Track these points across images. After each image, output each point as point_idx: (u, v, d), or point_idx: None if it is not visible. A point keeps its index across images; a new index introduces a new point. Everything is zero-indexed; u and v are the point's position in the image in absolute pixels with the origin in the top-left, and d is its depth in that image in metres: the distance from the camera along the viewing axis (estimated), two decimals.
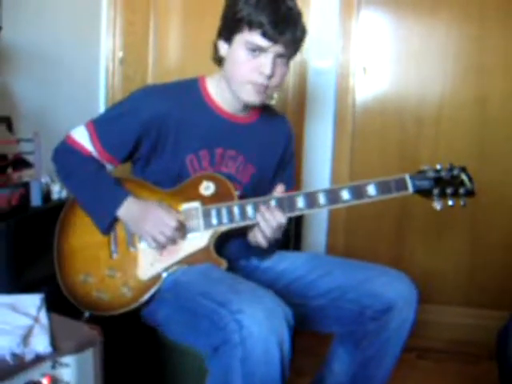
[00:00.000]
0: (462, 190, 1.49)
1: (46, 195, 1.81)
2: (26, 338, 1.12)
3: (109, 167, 1.58)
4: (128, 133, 1.53)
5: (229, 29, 1.48)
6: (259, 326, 1.23)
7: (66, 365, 1.13)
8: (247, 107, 1.61)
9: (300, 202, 1.49)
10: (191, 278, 1.44)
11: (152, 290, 1.47)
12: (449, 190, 1.49)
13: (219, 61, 1.57)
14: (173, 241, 1.49)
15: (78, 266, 1.53)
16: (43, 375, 1.11)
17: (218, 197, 1.53)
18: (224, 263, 1.49)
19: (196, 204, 1.52)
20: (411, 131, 2.59)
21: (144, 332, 1.51)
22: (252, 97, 1.50)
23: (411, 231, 2.66)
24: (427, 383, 2.27)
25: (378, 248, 2.65)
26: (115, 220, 1.51)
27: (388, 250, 2.66)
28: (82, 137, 1.55)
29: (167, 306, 1.46)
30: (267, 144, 1.68)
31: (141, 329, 1.52)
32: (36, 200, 1.72)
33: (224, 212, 1.50)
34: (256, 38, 1.43)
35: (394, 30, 2.57)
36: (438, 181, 1.49)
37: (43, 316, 1.23)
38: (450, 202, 1.49)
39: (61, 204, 1.69)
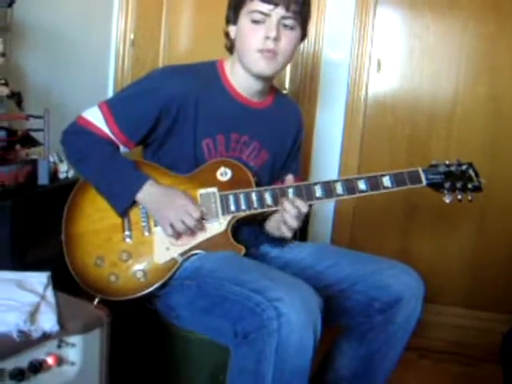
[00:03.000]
0: (470, 185, 1.54)
1: (53, 174, 1.78)
2: (32, 315, 1.09)
3: (123, 150, 1.55)
4: (147, 112, 1.50)
5: (234, 9, 1.52)
6: (297, 315, 1.24)
7: (73, 344, 1.11)
8: (262, 91, 1.60)
9: (318, 192, 1.50)
10: (216, 265, 1.42)
11: (168, 275, 1.46)
12: (458, 185, 1.54)
13: (232, 46, 1.57)
14: (191, 231, 1.47)
15: (90, 248, 1.49)
16: (48, 354, 1.08)
17: (235, 183, 1.52)
18: (242, 249, 1.48)
19: (213, 189, 1.51)
20: (422, 128, 2.57)
21: (153, 318, 1.50)
22: (262, 65, 1.50)
23: (416, 228, 2.64)
24: (427, 383, 2.25)
25: (382, 243, 2.63)
26: (134, 203, 1.49)
27: (393, 246, 2.64)
28: (96, 118, 1.51)
29: (187, 292, 1.44)
30: (280, 131, 1.67)
31: (149, 315, 1.50)
32: (43, 178, 1.69)
33: (242, 198, 1.50)
34: (257, 4, 1.45)
35: (409, 26, 2.54)
36: (449, 175, 1.54)
37: (50, 294, 1.21)
38: (459, 196, 1.54)
39: (68, 184, 1.68)
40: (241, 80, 1.57)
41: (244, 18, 1.49)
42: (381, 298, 1.49)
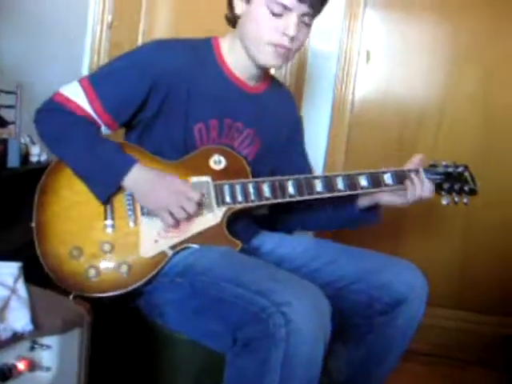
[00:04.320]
0: (466, 188, 1.52)
1: (25, 157, 1.63)
2: (1, 312, 0.94)
3: (104, 132, 1.40)
4: (135, 90, 1.36)
5: None
6: (308, 322, 1.12)
7: (48, 346, 0.97)
8: (258, 75, 1.48)
9: (318, 186, 1.43)
10: (213, 263, 1.29)
11: (156, 270, 1.32)
12: (456, 187, 1.51)
13: (233, 20, 1.44)
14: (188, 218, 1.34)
15: (65, 237, 1.33)
16: (19, 358, 0.94)
17: (229, 172, 1.41)
18: (239, 244, 1.36)
19: (206, 178, 1.38)
20: (411, 124, 2.49)
21: (135, 317, 1.36)
22: (271, 59, 1.39)
23: (405, 230, 2.56)
24: None
25: (370, 244, 2.52)
26: (118, 189, 1.35)
27: (380, 247, 2.54)
28: (76, 94, 1.35)
29: (178, 291, 1.30)
30: (275, 119, 1.56)
31: (131, 313, 1.36)
32: (13, 161, 1.54)
33: (238, 189, 1.39)
34: None
35: (401, 21, 2.46)
36: (448, 176, 1.51)
37: (22, 288, 1.06)
38: (456, 199, 1.52)
39: (40, 168, 1.51)
40: (238, 61, 1.45)
41: (261, 4, 1.35)
42: (382, 299, 1.40)
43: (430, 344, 2.42)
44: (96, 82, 1.36)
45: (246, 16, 1.38)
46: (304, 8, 1.34)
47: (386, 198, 1.52)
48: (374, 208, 1.57)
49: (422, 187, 1.45)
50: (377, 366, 1.48)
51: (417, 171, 1.47)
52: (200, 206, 1.35)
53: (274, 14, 1.34)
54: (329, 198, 1.46)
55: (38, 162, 1.66)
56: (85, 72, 2.48)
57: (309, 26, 1.40)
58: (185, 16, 2.52)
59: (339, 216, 1.59)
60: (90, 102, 1.35)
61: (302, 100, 2.49)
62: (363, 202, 1.55)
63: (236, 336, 1.20)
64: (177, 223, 1.34)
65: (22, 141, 1.62)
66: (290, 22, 1.34)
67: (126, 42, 2.54)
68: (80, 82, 1.37)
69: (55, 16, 2.18)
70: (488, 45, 2.40)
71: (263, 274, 1.23)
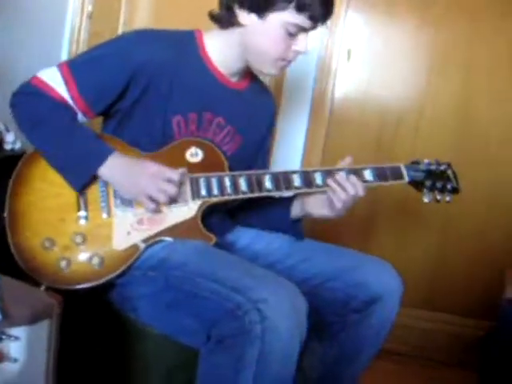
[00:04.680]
0: (449, 186, 1.50)
1: None
2: None
3: (81, 119, 1.37)
4: (115, 79, 1.34)
5: (265, 3, 1.33)
6: (284, 319, 1.11)
7: (16, 337, 0.94)
8: (242, 72, 1.47)
9: (296, 181, 1.40)
10: (187, 257, 1.27)
11: (128, 263, 1.29)
12: (438, 184, 1.50)
13: (229, 24, 1.40)
14: (172, 202, 1.32)
15: (38, 228, 1.31)
16: None
17: (206, 166, 1.39)
18: (213, 238, 1.34)
19: (182, 169, 1.35)
20: (390, 124, 2.50)
21: (106, 310, 1.34)
22: (275, 71, 1.43)
23: (378, 227, 2.57)
24: None
25: (342, 241, 2.50)
26: (94, 178, 1.32)
27: (353, 244, 2.53)
28: (54, 79, 1.33)
29: (151, 284, 1.28)
30: (256, 117, 1.55)
31: (102, 306, 1.34)
32: None
33: (214, 182, 1.36)
34: (303, 21, 1.33)
35: (383, 20, 2.47)
36: (430, 173, 1.49)
37: None
38: (438, 197, 1.50)
39: (14, 156, 1.47)
40: (223, 58, 1.43)
41: (277, 23, 1.33)
42: (357, 297, 1.40)
43: (404, 345, 2.42)
44: (75, 68, 1.34)
45: (257, 30, 1.36)
46: (316, 27, 1.36)
47: (314, 207, 1.48)
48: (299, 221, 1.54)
49: (347, 187, 1.39)
50: (349, 365, 1.48)
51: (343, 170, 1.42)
52: (181, 187, 1.33)
53: (290, 35, 1.34)
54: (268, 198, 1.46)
55: (12, 149, 1.61)
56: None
57: None
58: (165, 6, 2.49)
59: (271, 217, 1.56)
60: (68, 88, 1.32)
61: (281, 97, 2.47)
62: (295, 211, 1.52)
63: (210, 332, 1.19)
64: (158, 208, 1.32)
65: None
66: (303, 40, 1.36)
67: (106, 32, 2.50)
68: (59, 66, 1.34)
69: (34, 4, 2.14)
70: (467, 49, 2.42)
71: (239, 270, 1.22)
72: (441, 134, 2.46)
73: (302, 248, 1.50)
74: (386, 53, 2.48)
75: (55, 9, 2.38)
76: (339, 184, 1.39)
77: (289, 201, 1.53)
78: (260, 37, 1.36)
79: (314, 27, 1.36)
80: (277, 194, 1.44)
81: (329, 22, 2.32)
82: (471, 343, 2.25)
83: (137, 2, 2.52)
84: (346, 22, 2.45)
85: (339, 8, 2.42)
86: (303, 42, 1.36)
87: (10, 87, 1.39)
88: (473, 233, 2.49)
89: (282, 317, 1.12)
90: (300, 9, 1.31)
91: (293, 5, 1.31)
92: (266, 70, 1.43)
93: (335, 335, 1.45)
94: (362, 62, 2.49)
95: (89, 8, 2.45)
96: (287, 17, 1.32)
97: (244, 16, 1.36)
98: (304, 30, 1.35)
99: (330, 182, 1.40)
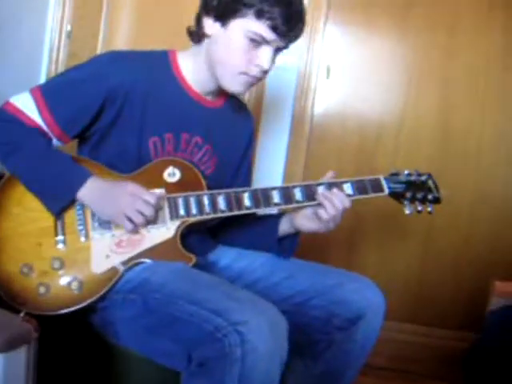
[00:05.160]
0: (430, 196, 1.49)
1: None
2: None
3: (56, 144, 1.36)
4: (88, 102, 1.33)
5: (227, 9, 1.32)
6: (264, 342, 1.10)
7: None
8: (217, 91, 1.46)
9: (276, 197, 1.39)
10: (167, 279, 1.25)
11: (107, 286, 1.28)
12: (419, 195, 1.48)
13: (198, 36, 1.40)
14: (151, 223, 1.31)
15: (15, 254, 1.29)
16: None
17: (184, 185, 1.37)
18: (193, 258, 1.32)
19: (160, 191, 1.35)
20: (370, 138, 2.51)
21: (87, 333, 1.31)
22: (238, 87, 1.38)
23: (361, 241, 2.57)
24: None
25: (325, 255, 2.54)
26: (71, 202, 1.31)
27: (336, 258, 2.56)
28: (26, 106, 1.31)
29: (130, 308, 1.26)
30: (232, 136, 1.55)
31: (83, 330, 1.32)
32: None
33: (192, 202, 1.35)
34: (264, 29, 1.30)
35: (361, 34, 2.49)
36: (410, 184, 1.48)
37: None
38: (419, 208, 1.49)
39: None
40: (197, 76, 1.43)
41: (239, 30, 1.31)
42: (341, 314, 1.39)
43: (384, 357, 2.41)
44: (48, 93, 1.33)
45: (219, 39, 1.35)
46: (281, 43, 1.33)
47: (302, 222, 1.48)
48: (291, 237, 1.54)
49: (334, 200, 1.39)
50: (335, 382, 1.46)
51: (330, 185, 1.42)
52: (158, 210, 1.31)
53: (251, 44, 1.31)
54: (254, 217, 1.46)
55: None
56: (42, 80, 2.43)
57: (280, 52, 1.39)
58: (145, 26, 2.50)
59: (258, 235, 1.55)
60: (41, 114, 1.31)
61: (261, 113, 2.49)
62: (284, 227, 1.52)
63: (191, 355, 1.17)
64: (136, 229, 1.30)
65: None
66: (266, 54, 1.32)
67: (85, 51, 2.50)
68: (31, 92, 1.33)
69: (12, 28, 2.13)
70: (445, 62, 2.44)
71: (219, 292, 1.20)
72: (421, 147, 2.48)
73: (285, 266, 1.49)
74: (365, 67, 2.50)
75: (33, 27, 2.38)
76: (326, 198, 1.39)
77: (276, 218, 1.53)
78: (222, 46, 1.34)
79: (278, 42, 1.32)
80: (258, 211, 1.42)
81: (306, 40, 2.43)
82: (454, 355, 2.25)
83: (116, 22, 2.53)
84: (325, 37, 2.47)
85: (317, 23, 2.46)
86: (265, 56, 1.32)
87: None
88: (456, 245, 2.50)
89: (262, 339, 1.10)
90: (259, 15, 1.28)
91: (252, 11, 1.28)
92: (228, 85, 1.38)
93: (321, 353, 1.44)
94: (342, 77, 2.51)
95: (68, 27, 2.46)
96: (248, 24, 1.30)
97: (210, 25, 1.35)
98: (266, 42, 1.31)
99: (318, 197, 1.39)
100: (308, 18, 2.34)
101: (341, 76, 2.51)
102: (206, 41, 1.38)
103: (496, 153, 2.46)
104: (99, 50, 2.52)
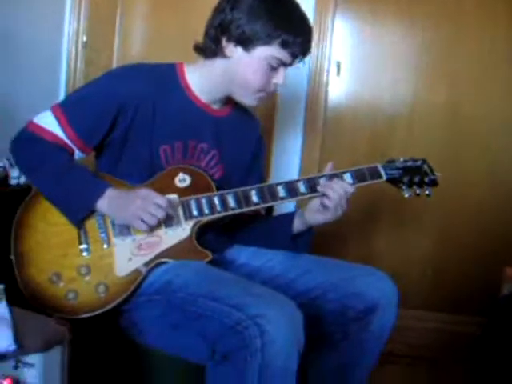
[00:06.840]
0: (426, 179, 1.54)
1: (4, 180, 1.66)
2: None
3: (79, 156, 1.45)
4: (104, 113, 1.42)
5: (253, 38, 1.41)
6: (282, 333, 1.18)
7: (31, 365, 1.01)
8: (223, 100, 1.56)
9: (281, 192, 1.47)
10: (188, 279, 1.34)
11: (132, 288, 1.36)
12: (416, 179, 1.54)
13: (213, 54, 1.48)
14: (166, 225, 1.40)
15: (44, 266, 1.38)
16: (3, 377, 0.98)
17: (195, 189, 1.46)
18: (209, 255, 1.41)
19: (173, 196, 1.44)
20: (382, 132, 2.56)
21: (116, 335, 1.39)
22: (255, 102, 1.51)
23: (377, 232, 2.62)
24: None
25: (342, 248, 2.59)
26: (91, 213, 1.40)
27: (353, 250, 2.61)
28: (49, 123, 1.41)
29: (155, 307, 1.35)
30: (238, 142, 1.62)
31: (111, 331, 1.40)
32: None
33: (204, 203, 1.44)
34: (285, 55, 1.42)
35: (369, 29, 2.53)
36: (406, 170, 1.55)
37: (4, 309, 1.09)
38: (418, 191, 1.55)
39: (19, 190, 1.56)
40: (205, 87, 1.51)
41: (261, 56, 1.42)
42: (355, 306, 1.45)
43: (405, 346, 2.43)
44: (67, 109, 1.42)
45: (241, 61, 1.45)
46: (294, 63, 1.45)
47: (309, 216, 1.53)
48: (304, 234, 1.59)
49: (336, 186, 1.45)
50: (352, 372, 1.52)
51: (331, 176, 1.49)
52: (170, 213, 1.39)
53: (271, 68, 1.43)
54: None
55: (18, 184, 1.69)
56: (61, 93, 2.53)
57: None
58: (158, 34, 2.55)
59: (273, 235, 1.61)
60: (63, 129, 1.40)
61: (275, 111, 2.54)
62: (298, 225, 1.57)
63: (214, 348, 1.24)
64: (150, 230, 1.38)
65: (1, 164, 1.65)
66: (282, 73, 1.45)
67: (101, 60, 2.58)
68: (52, 109, 1.42)
69: (31, 39, 2.21)
70: (454, 55, 2.48)
71: (238, 289, 1.28)
72: (432, 136, 2.52)
73: (300, 262, 1.56)
74: (374, 61, 2.54)
75: (51, 40, 2.47)
76: (327, 186, 1.46)
77: (289, 217, 1.59)
78: (244, 68, 1.44)
79: (292, 63, 1.45)
80: (264, 206, 1.50)
81: (316, 37, 2.47)
82: (466, 340, 2.28)
83: (130, 31, 2.59)
84: (334, 33, 2.51)
85: (326, 19, 2.50)
86: (282, 75, 1.45)
87: (12, 124, 1.48)
88: (470, 231, 2.53)
89: (280, 330, 1.17)
90: (284, 45, 1.40)
91: (278, 41, 1.40)
92: (246, 101, 1.51)
93: (336, 344, 1.50)
94: (352, 72, 2.55)
95: (84, 38, 2.54)
96: (272, 51, 1.41)
97: (230, 48, 1.44)
98: (284, 64, 1.44)
99: (319, 188, 1.47)
100: (316, 14, 2.45)
101: (351, 71, 2.55)
102: (223, 60, 1.47)
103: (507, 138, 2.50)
104: (115, 57, 2.58)
